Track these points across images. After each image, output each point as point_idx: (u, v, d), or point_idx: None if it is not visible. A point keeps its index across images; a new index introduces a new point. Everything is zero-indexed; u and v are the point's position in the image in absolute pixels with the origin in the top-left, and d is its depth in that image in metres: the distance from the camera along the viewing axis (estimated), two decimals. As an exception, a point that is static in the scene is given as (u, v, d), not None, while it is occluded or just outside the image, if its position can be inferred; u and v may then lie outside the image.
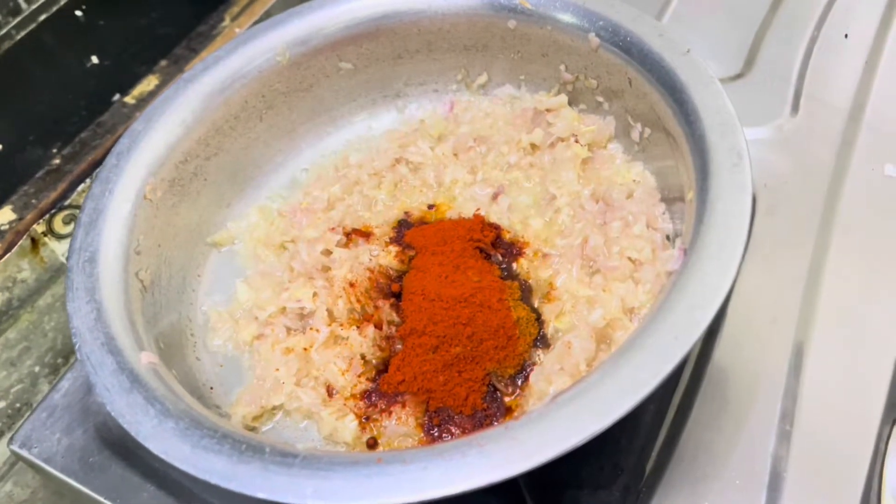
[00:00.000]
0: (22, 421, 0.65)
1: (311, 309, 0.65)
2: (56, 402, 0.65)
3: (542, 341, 0.62)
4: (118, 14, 0.89)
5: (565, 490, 0.58)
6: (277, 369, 0.62)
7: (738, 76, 0.83)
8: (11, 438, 0.63)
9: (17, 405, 0.78)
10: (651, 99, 0.65)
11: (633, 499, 0.57)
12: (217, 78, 0.71)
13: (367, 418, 0.60)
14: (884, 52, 0.83)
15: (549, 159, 0.73)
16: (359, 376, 0.62)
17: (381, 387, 0.61)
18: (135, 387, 0.52)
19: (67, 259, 0.60)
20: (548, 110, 0.74)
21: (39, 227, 0.79)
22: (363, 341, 0.63)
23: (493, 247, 0.68)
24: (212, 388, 0.64)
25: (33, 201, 0.81)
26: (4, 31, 0.79)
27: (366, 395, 0.61)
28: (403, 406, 0.60)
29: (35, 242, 0.79)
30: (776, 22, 0.88)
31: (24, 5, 0.81)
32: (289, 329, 0.65)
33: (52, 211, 0.80)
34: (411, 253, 0.68)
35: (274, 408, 0.61)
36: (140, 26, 0.92)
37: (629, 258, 0.62)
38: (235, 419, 0.60)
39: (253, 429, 0.61)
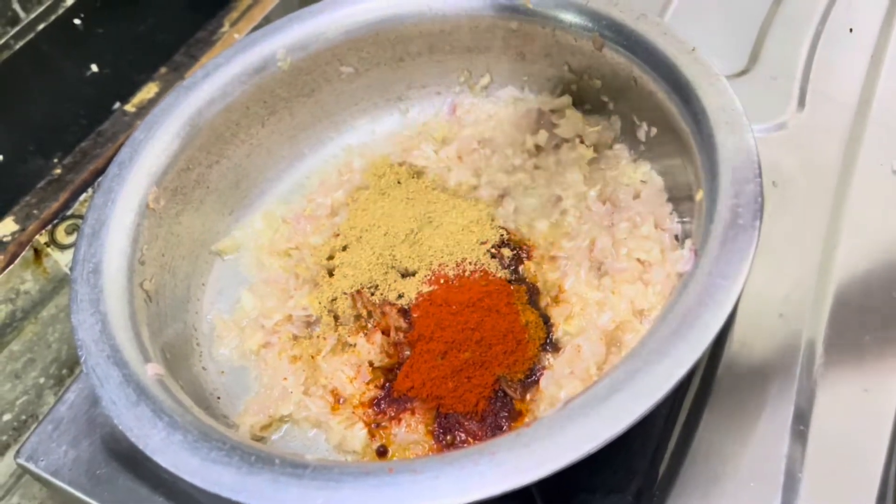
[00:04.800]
0: (28, 433, 0.64)
1: (318, 316, 0.64)
2: (62, 415, 0.65)
3: (551, 345, 0.62)
4: (117, 22, 0.89)
5: (578, 494, 0.57)
6: (285, 378, 0.61)
7: (743, 72, 0.83)
8: (18, 451, 0.63)
9: (23, 417, 0.77)
10: (657, 98, 0.64)
11: (646, 502, 0.57)
12: (218, 84, 0.71)
13: (377, 425, 0.60)
14: (889, 47, 0.82)
15: (555, 161, 0.72)
16: (367, 384, 0.61)
17: (394, 393, 0.60)
18: (142, 399, 0.51)
19: (71, 270, 0.60)
20: (552, 111, 0.74)
21: (42, 238, 0.78)
22: (371, 348, 0.62)
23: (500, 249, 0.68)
24: (219, 398, 0.63)
25: (35, 212, 0.80)
26: (3, 40, 0.78)
27: (374, 402, 0.61)
28: (413, 413, 0.59)
29: (38, 253, 0.78)
30: (780, 17, 0.87)
31: (22, 14, 0.80)
32: (295, 337, 0.65)
33: (55, 221, 0.80)
34: (417, 258, 0.68)
35: (282, 417, 0.61)
36: (139, 33, 0.92)
37: (638, 259, 0.62)
38: (243, 429, 0.60)
39: (261, 438, 0.61)
